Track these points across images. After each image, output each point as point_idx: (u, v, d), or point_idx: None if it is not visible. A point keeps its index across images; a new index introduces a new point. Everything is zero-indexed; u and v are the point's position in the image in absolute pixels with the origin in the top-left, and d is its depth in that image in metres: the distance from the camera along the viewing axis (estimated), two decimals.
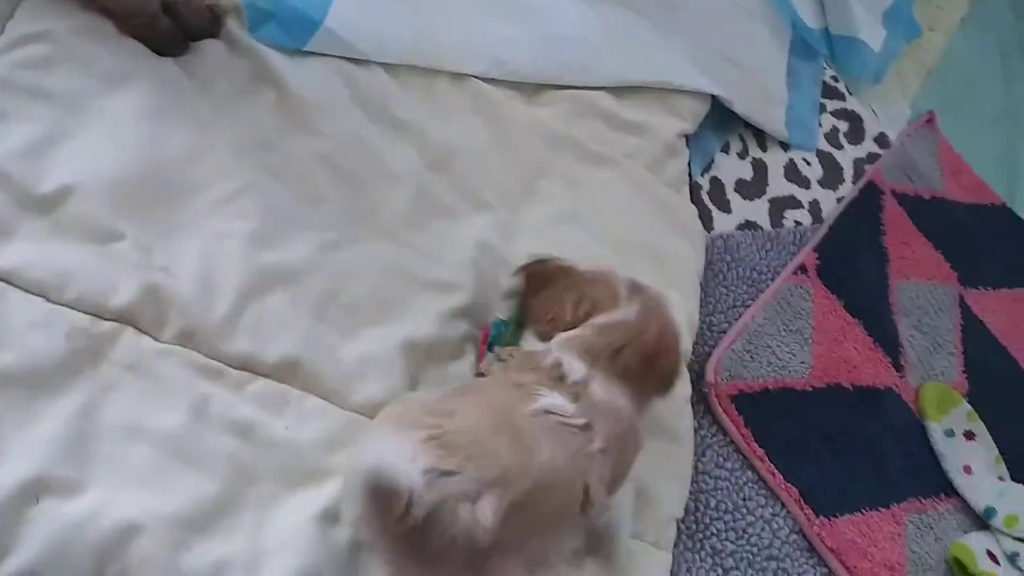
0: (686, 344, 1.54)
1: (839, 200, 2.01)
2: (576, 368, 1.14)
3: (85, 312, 1.12)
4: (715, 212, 1.83)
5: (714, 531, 1.50)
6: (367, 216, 1.39)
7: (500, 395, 1.11)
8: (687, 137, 1.81)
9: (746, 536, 1.53)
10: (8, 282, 1.10)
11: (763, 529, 1.55)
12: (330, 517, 1.12)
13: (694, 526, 1.49)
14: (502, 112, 1.59)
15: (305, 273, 1.27)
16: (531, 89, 1.65)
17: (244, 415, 1.14)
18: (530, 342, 1.27)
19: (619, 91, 1.71)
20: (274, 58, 1.41)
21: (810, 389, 1.70)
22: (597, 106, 1.68)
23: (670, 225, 1.64)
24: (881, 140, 2.17)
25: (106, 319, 1.13)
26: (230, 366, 1.17)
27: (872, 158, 2.12)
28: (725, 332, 1.68)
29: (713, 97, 1.85)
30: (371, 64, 1.51)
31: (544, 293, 1.26)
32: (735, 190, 1.89)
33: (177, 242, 1.22)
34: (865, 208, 2.01)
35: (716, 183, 1.87)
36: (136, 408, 1.10)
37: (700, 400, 1.59)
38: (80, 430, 1.06)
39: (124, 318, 1.14)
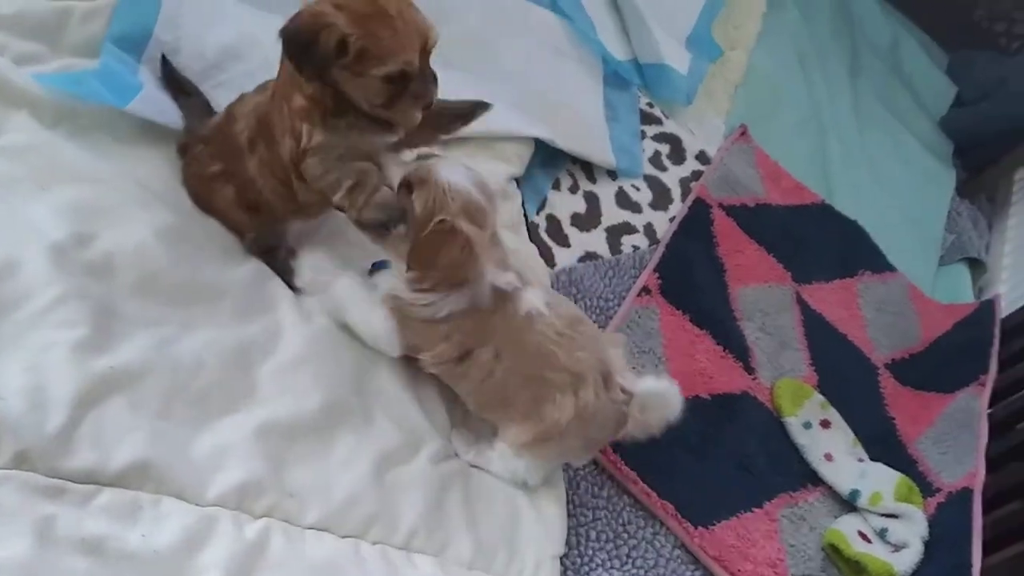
0: None
1: (671, 220, 2.09)
2: None
3: None
4: (555, 248, 1.88)
5: (599, 562, 1.52)
6: (204, 301, 1.36)
7: None
8: (517, 180, 1.85)
9: (631, 560, 1.55)
10: None
11: (647, 551, 1.58)
12: None
13: (578, 560, 1.50)
14: None
15: (144, 372, 1.23)
16: None
17: (94, 531, 1.08)
18: None
19: (443, 144, 1.73)
20: (70, 155, 1.38)
21: None
22: None
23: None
24: (702, 157, 2.27)
25: None
26: (72, 481, 1.11)
27: (696, 175, 2.22)
28: None
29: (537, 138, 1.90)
30: None
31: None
32: (572, 224, 1.94)
33: None
34: (696, 224, 2.10)
35: (552, 220, 1.92)
36: None
37: None
38: None
39: None
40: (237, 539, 1.18)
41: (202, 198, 1.45)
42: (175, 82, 1.54)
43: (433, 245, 1.27)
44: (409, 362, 1.45)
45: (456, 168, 1.32)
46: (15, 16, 1.46)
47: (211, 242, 1.43)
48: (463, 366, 1.36)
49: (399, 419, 1.41)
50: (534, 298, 1.35)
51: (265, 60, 1.56)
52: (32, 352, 1.17)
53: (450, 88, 1.80)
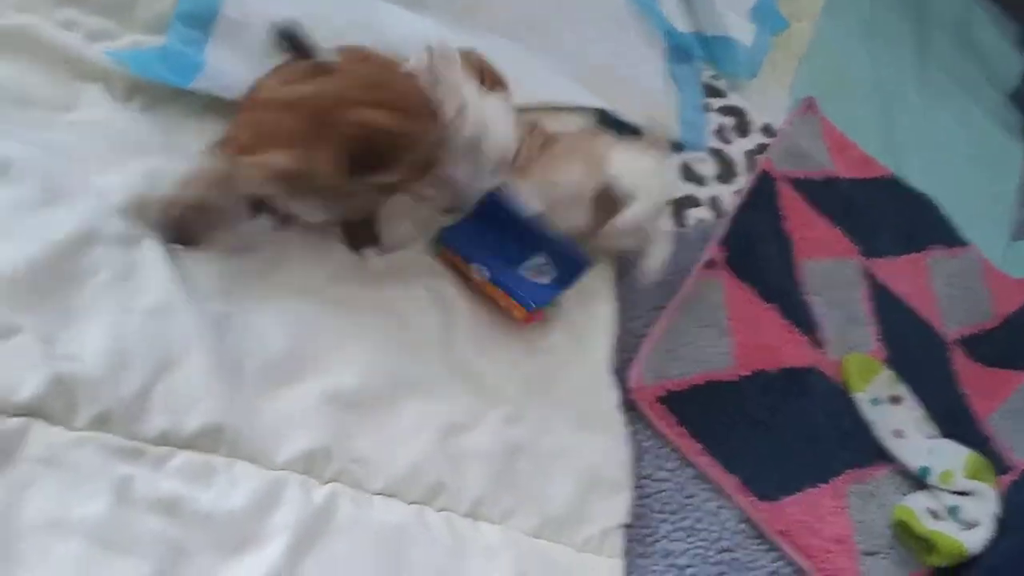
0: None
1: (736, 193, 2.06)
2: None
3: None
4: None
5: (664, 533, 1.51)
6: (270, 266, 1.38)
7: None
8: None
9: (696, 533, 1.54)
10: None
11: (711, 523, 1.57)
12: None
13: (643, 531, 1.49)
14: None
15: (216, 338, 1.25)
16: None
17: (169, 491, 1.11)
18: None
19: None
20: (142, 128, 1.41)
21: (736, 378, 1.73)
22: None
23: None
24: (767, 130, 2.23)
25: (12, 415, 1.08)
26: (149, 443, 1.14)
27: (761, 148, 2.19)
28: (645, 336, 1.70)
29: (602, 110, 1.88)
30: None
31: None
32: None
33: (80, 326, 1.18)
34: (762, 197, 2.07)
35: None
36: (57, 502, 1.05)
37: (632, 407, 1.61)
38: (1, 533, 1.02)
39: (32, 412, 1.09)
40: (306, 503, 1.20)
41: None
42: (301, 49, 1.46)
43: None
44: (476, 327, 1.47)
45: None
46: None
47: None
48: None
49: (465, 386, 1.42)
50: None
51: (331, 36, 1.58)
52: (109, 317, 1.20)
53: (509, 63, 1.81)
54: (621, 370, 1.63)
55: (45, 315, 1.17)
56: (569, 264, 1.58)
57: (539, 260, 1.57)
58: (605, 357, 1.59)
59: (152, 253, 1.28)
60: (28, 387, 1.09)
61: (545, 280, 1.56)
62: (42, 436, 1.09)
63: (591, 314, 1.62)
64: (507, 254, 1.56)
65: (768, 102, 2.33)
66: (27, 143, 1.31)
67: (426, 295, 1.49)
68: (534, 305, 1.50)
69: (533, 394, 1.48)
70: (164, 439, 1.15)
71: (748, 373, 1.75)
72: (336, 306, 1.40)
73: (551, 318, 1.58)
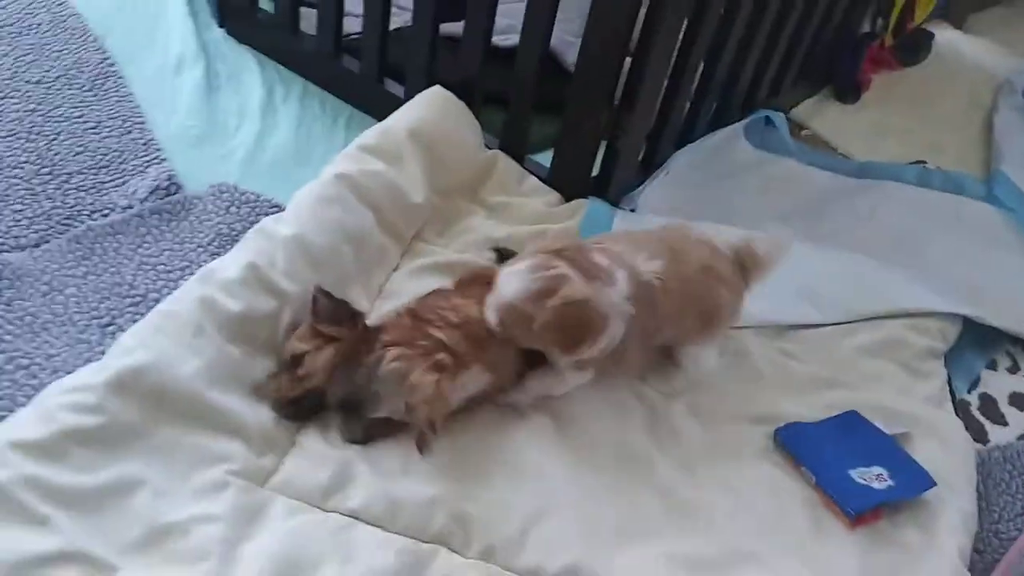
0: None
1: None
2: None
3: (409, 537, 1.42)
4: (988, 425, 1.87)
5: None
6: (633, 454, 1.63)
7: None
8: (944, 357, 1.91)
9: None
10: (356, 518, 1.44)
11: None
12: None
13: None
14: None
15: (579, 498, 1.51)
16: (774, 331, 1.89)
17: None
18: None
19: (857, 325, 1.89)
20: None
21: None
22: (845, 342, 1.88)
23: (930, 436, 1.72)
24: None
25: (425, 542, 1.42)
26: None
27: None
28: (1014, 540, 1.65)
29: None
30: None
31: None
32: (1010, 403, 1.92)
33: (482, 486, 1.51)
34: None
35: (987, 399, 1.92)
36: None
37: None
38: None
39: (439, 540, 1.42)
40: None
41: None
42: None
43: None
44: (817, 509, 1.57)
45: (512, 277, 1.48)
46: None
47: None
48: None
49: (803, 567, 1.48)
50: (644, 268, 1.53)
51: None
52: (504, 476, 1.52)
53: (862, 273, 1.97)
54: (982, 573, 1.59)
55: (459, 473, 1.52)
56: (911, 482, 1.59)
57: (876, 470, 1.60)
58: (960, 557, 1.55)
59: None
60: (438, 522, 1.44)
61: (880, 486, 1.58)
62: (445, 561, 1.41)
63: (946, 509, 1.60)
64: (842, 459, 1.60)
65: None
66: None
67: (769, 475, 1.63)
68: (853, 513, 1.52)
69: None
70: (533, 573, 1.41)
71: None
72: (683, 470, 1.60)
73: (901, 509, 1.59)
